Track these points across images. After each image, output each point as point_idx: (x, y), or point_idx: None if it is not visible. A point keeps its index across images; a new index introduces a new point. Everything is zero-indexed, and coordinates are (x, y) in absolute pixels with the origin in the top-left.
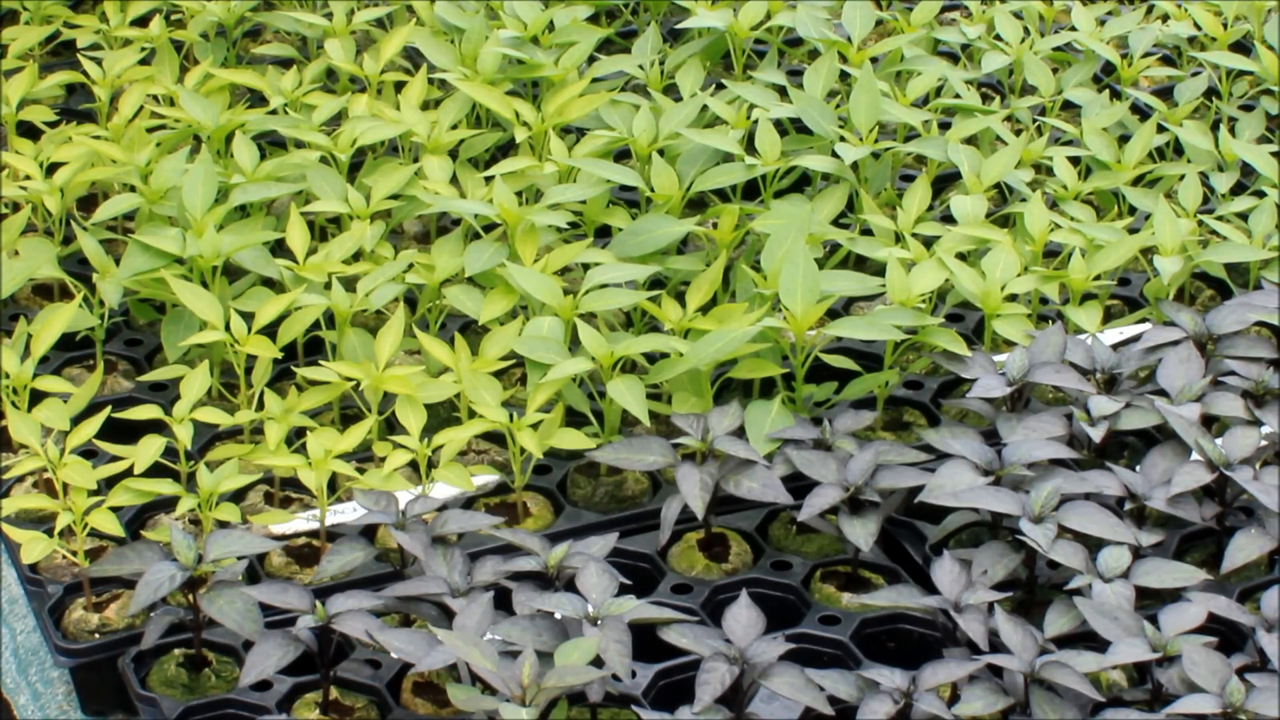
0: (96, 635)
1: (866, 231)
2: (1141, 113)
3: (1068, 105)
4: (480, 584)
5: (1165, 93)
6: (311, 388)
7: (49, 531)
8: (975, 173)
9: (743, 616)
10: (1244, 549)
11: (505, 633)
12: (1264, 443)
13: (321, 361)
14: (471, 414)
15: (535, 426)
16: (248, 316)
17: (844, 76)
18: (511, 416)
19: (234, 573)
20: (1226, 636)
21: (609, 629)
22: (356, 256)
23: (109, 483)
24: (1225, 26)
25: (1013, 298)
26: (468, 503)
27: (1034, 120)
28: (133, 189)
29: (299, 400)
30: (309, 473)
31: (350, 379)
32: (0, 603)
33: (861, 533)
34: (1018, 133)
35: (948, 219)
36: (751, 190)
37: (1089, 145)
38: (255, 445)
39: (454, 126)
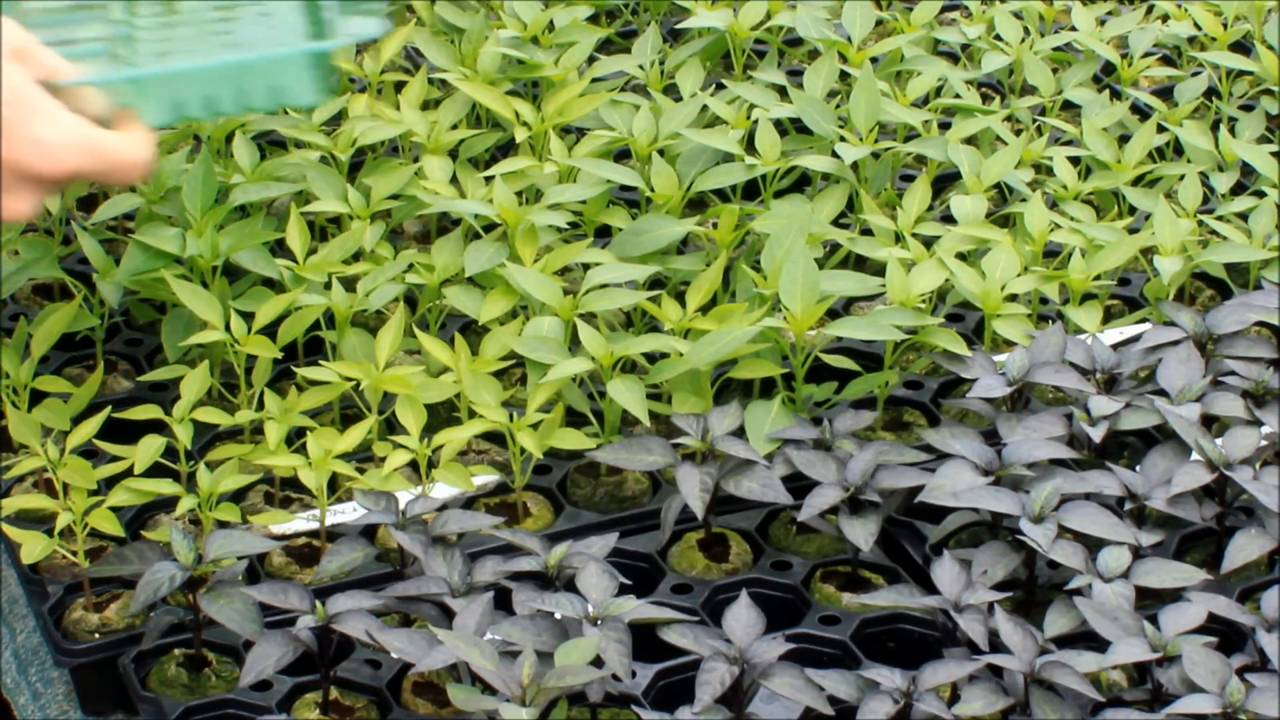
0: (96, 635)
1: (866, 231)
2: (1141, 113)
3: (1068, 105)
4: (480, 584)
5: (1165, 93)
6: (311, 388)
7: (49, 531)
8: (975, 173)
9: (743, 616)
10: (1244, 549)
11: (505, 633)
12: (1264, 443)
13: (321, 361)
14: (471, 414)
15: (535, 426)
16: (248, 316)
17: (844, 76)
18: (511, 416)
19: (234, 573)
20: (1226, 636)
21: (609, 629)
22: (356, 256)
23: (109, 483)
24: (1225, 26)
25: (1013, 298)
26: (468, 503)
27: (1034, 120)
28: (133, 189)
29: (299, 400)
30: (309, 473)
31: (350, 379)
32: (0, 603)
33: (861, 533)
34: (1018, 133)
35: (948, 219)
36: (751, 190)
37: (1089, 145)
38: (255, 445)
39: (454, 126)
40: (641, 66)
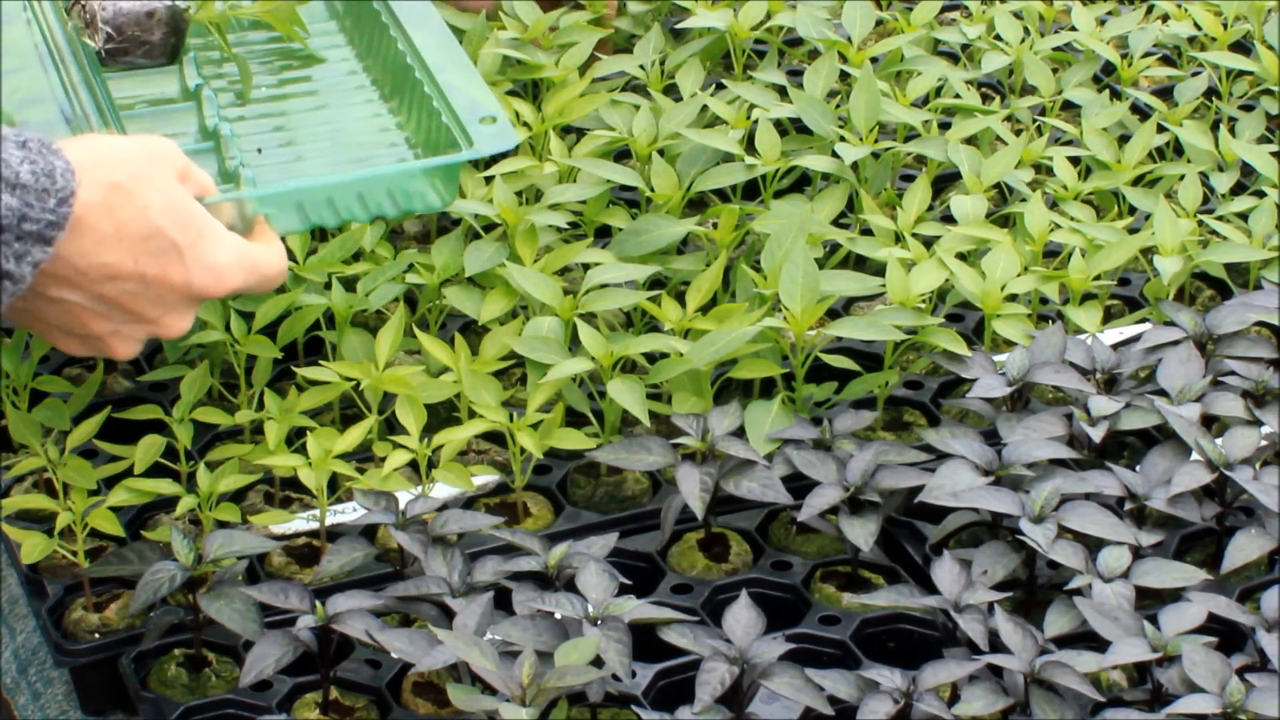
0: (96, 635)
1: (866, 231)
2: (1141, 113)
3: (1068, 105)
4: (480, 584)
5: (1165, 93)
6: (311, 388)
7: (49, 531)
8: (975, 173)
9: (743, 616)
10: (1244, 549)
11: (505, 633)
12: (1264, 443)
13: (321, 361)
14: (471, 414)
15: (535, 426)
16: (248, 316)
17: (844, 76)
18: (511, 416)
19: (234, 573)
20: (1226, 636)
21: (609, 629)
22: (356, 256)
23: (109, 483)
24: (1225, 26)
25: (1013, 298)
26: (468, 503)
27: (1034, 120)
28: None
29: (299, 400)
30: (309, 473)
31: (350, 379)
32: (0, 603)
33: (861, 533)
34: (1018, 133)
35: (948, 219)
36: (751, 190)
37: (1089, 145)
38: (255, 445)
39: None
40: (642, 66)
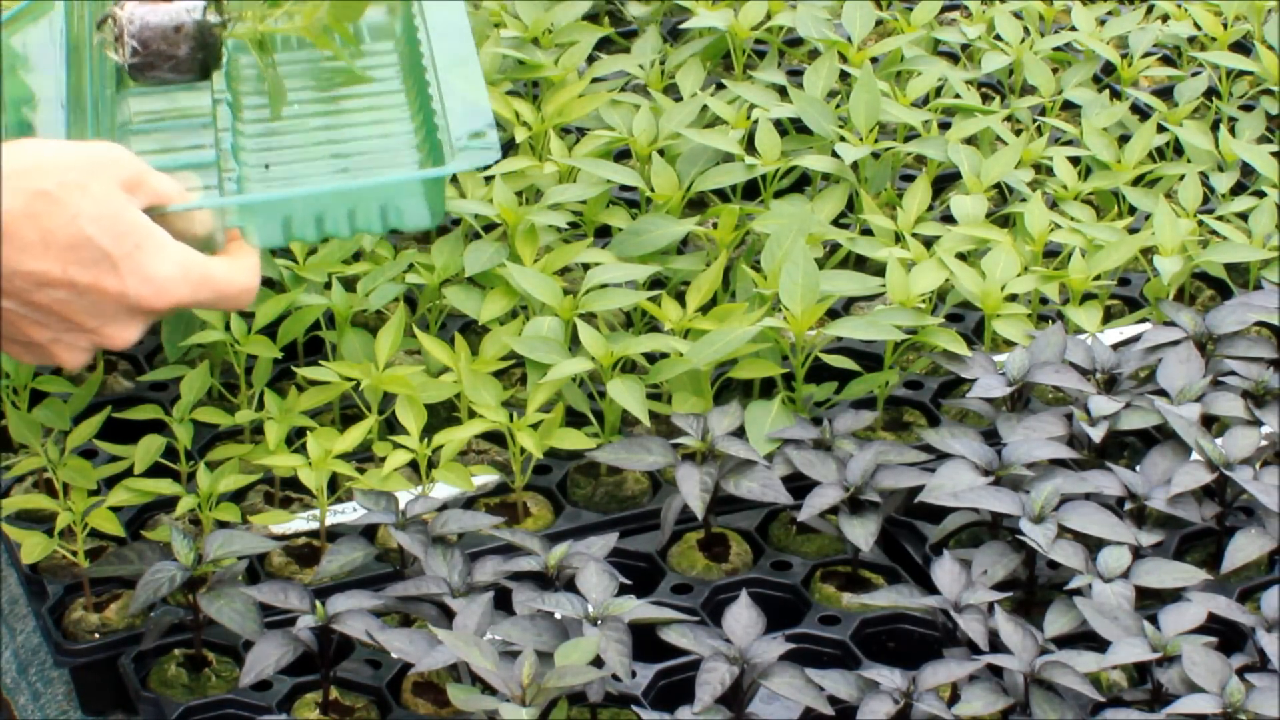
0: (96, 635)
1: (866, 231)
2: (1141, 113)
3: (1068, 105)
4: (480, 584)
5: (1165, 93)
6: (311, 388)
7: (49, 531)
8: (975, 173)
9: (743, 616)
10: (1244, 549)
11: (505, 633)
12: (1264, 443)
13: (321, 361)
14: (471, 414)
15: (535, 426)
16: (248, 316)
17: (844, 76)
18: (511, 416)
19: (234, 573)
20: (1226, 636)
21: (609, 629)
22: (356, 256)
23: (109, 483)
24: (1225, 26)
25: (1013, 298)
26: (468, 503)
27: (1034, 120)
28: None
29: (299, 400)
30: (309, 473)
31: (350, 379)
32: (0, 603)
33: (861, 533)
34: (1018, 133)
35: (948, 219)
36: (751, 190)
37: (1089, 145)
38: (255, 445)
39: None
40: (641, 66)
